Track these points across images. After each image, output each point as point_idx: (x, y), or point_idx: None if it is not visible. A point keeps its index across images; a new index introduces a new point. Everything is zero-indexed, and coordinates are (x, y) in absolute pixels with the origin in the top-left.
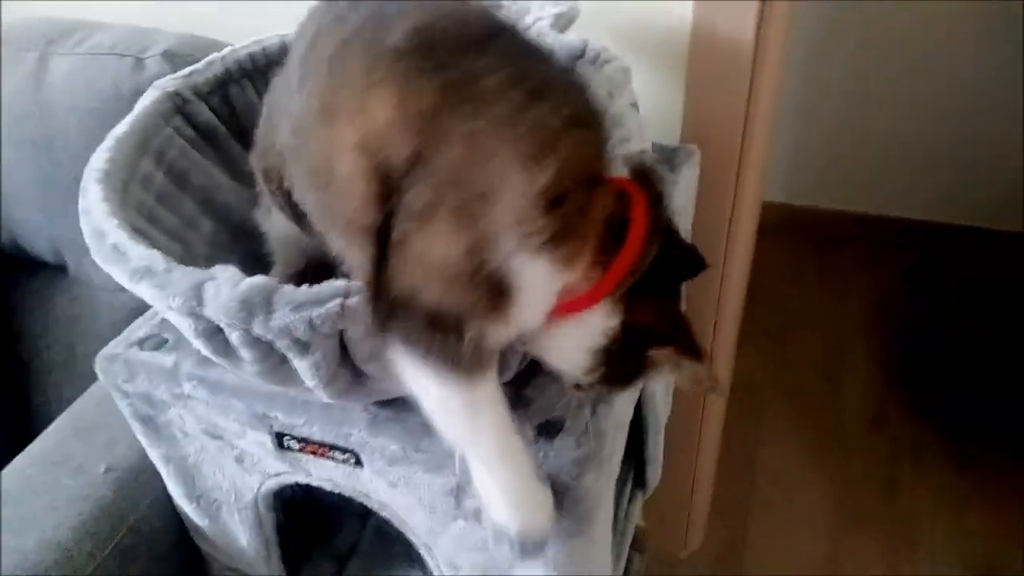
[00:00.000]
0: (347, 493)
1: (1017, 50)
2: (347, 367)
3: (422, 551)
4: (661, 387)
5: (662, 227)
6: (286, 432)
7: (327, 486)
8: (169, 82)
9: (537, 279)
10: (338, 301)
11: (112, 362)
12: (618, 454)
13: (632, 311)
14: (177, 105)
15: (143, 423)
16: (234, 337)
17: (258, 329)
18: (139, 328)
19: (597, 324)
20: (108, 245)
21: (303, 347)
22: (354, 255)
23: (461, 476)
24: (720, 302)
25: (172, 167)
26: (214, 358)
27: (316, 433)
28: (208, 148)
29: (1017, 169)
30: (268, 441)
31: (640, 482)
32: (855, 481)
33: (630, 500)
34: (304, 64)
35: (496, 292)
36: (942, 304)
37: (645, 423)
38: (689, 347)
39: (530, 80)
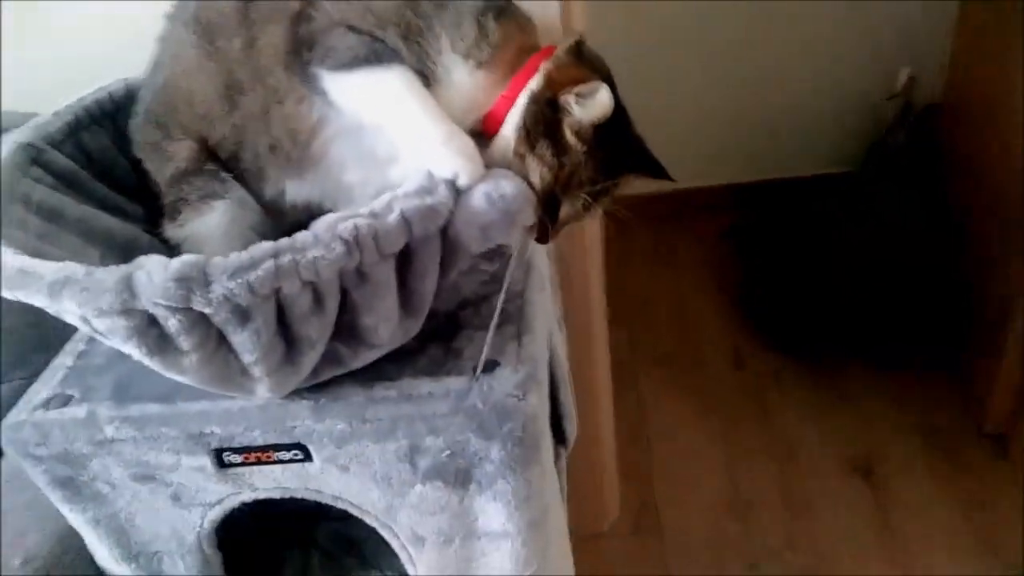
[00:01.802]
0: (298, 495)
1: (770, 21)
2: (281, 337)
3: (384, 532)
4: (559, 340)
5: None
6: (225, 446)
7: (276, 495)
8: (19, 134)
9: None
10: (271, 261)
11: (19, 429)
12: (546, 386)
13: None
14: (31, 156)
15: (63, 487)
16: (172, 324)
17: (198, 304)
18: (38, 392)
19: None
20: (13, 270)
21: (243, 316)
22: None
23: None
24: (588, 291)
25: (42, 207)
26: (150, 359)
27: (258, 437)
28: (72, 191)
29: (785, 124)
30: (207, 463)
31: (560, 438)
32: (733, 417)
33: (556, 457)
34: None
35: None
36: (761, 251)
37: (553, 376)
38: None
39: None
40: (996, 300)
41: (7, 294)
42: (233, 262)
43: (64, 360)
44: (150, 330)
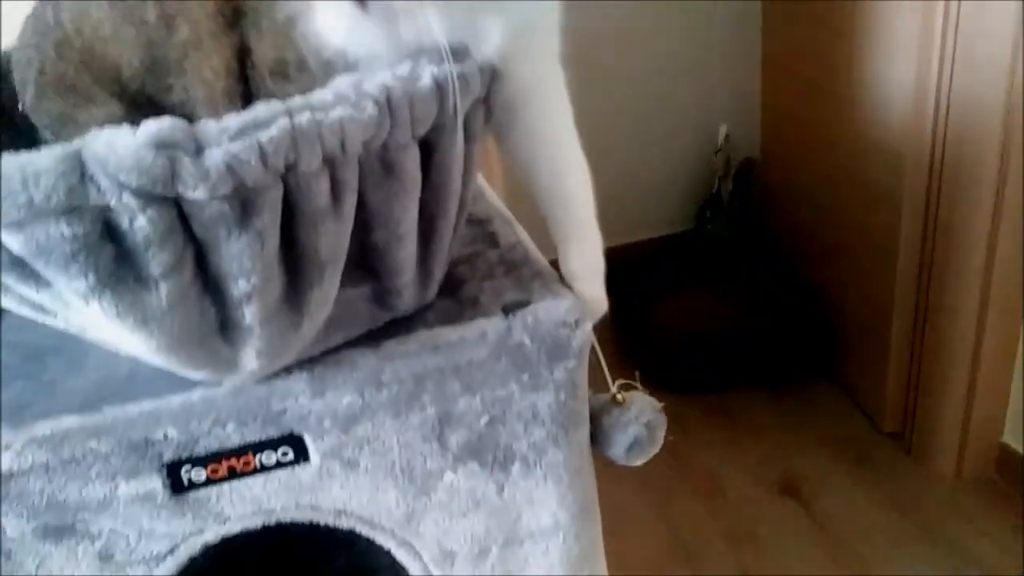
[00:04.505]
0: (287, 517)
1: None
2: (282, 259)
3: (402, 554)
4: None
5: None
6: (184, 456)
7: (256, 522)
8: None
9: None
10: (287, 119)
11: None
12: None
13: None
14: None
15: None
16: (139, 227)
17: (187, 184)
18: None
19: None
20: None
21: (244, 208)
22: None
23: None
24: None
25: None
26: (102, 296)
27: (232, 434)
28: None
29: (627, 192)
30: (156, 487)
31: None
32: (650, 468)
33: None
34: None
35: None
36: (631, 308)
37: None
38: None
39: None
40: (861, 310)
41: None
42: (233, 122)
43: None
44: (104, 245)
